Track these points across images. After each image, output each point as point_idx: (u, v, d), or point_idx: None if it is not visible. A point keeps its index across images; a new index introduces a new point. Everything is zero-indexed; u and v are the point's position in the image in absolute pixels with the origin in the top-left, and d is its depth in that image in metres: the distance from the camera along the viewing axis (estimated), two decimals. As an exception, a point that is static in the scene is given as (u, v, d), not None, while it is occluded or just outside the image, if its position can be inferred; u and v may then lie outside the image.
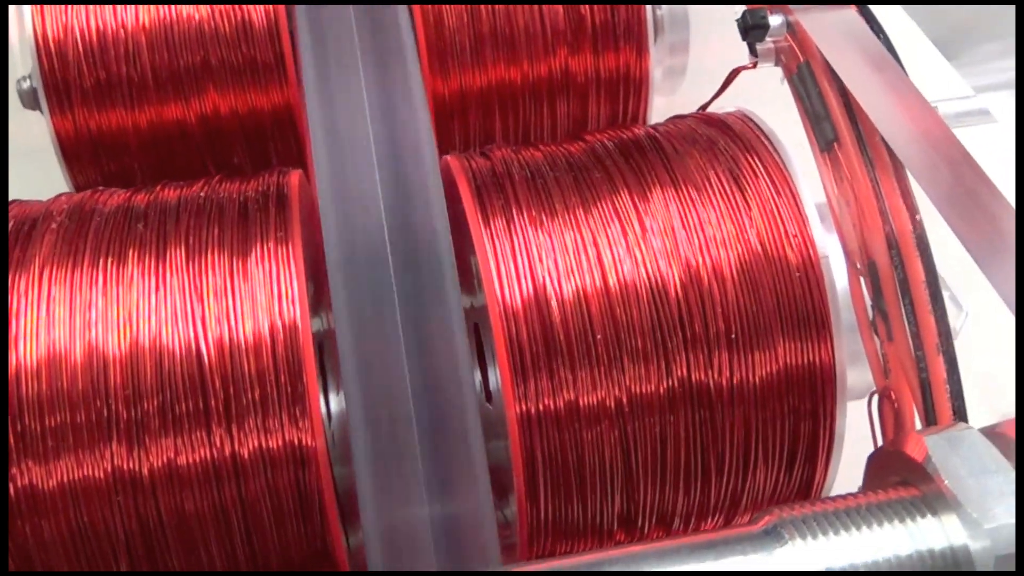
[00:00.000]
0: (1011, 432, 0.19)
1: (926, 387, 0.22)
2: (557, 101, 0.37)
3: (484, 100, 0.37)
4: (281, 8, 0.35)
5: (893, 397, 0.23)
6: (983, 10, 0.29)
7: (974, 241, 0.20)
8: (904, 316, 0.23)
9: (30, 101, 0.36)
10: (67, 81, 0.34)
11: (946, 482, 0.18)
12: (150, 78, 0.35)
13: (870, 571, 0.18)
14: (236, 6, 0.35)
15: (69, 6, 0.34)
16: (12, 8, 0.35)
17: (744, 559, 0.18)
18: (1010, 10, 0.28)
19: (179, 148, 0.36)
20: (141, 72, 0.35)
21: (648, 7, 0.37)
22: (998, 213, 0.20)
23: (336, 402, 0.27)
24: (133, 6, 0.34)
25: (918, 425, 0.23)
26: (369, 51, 0.28)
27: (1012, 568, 0.17)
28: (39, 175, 0.35)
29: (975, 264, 0.20)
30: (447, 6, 0.36)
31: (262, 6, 0.35)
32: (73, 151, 0.35)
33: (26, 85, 0.36)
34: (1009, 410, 0.19)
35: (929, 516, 0.18)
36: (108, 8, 0.34)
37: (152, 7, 0.34)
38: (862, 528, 0.18)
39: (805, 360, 0.26)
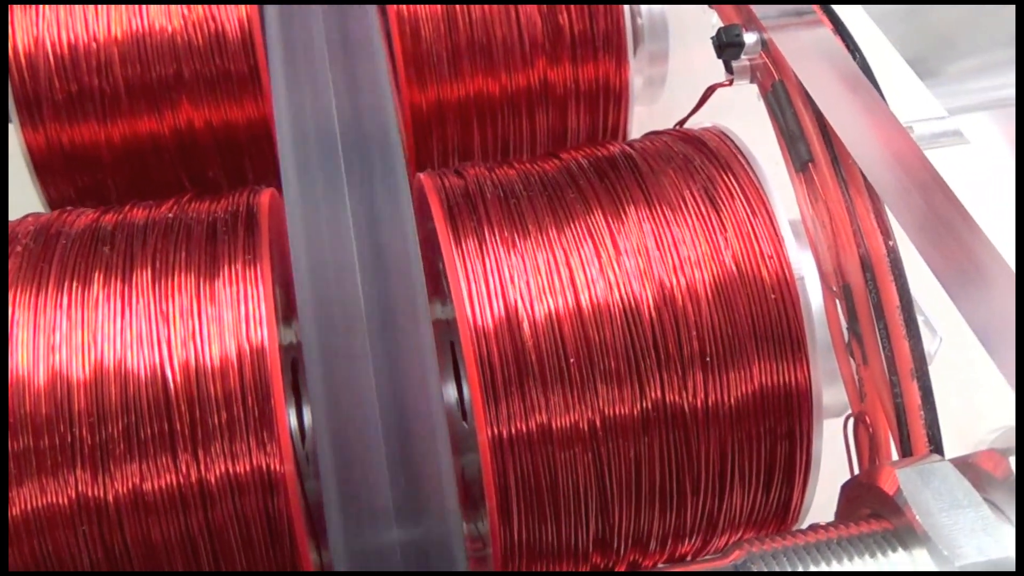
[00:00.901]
0: (985, 464, 0.19)
1: (901, 413, 0.22)
2: (536, 112, 0.37)
3: (462, 111, 0.37)
4: (256, 19, 0.34)
5: (868, 422, 0.23)
6: (962, 22, 0.29)
7: (944, 268, 0.20)
8: (879, 340, 0.22)
9: (-1, 114, 0.35)
10: (38, 94, 0.34)
11: (917, 517, 0.18)
12: (123, 91, 0.34)
13: (839, 607, 0.18)
14: (210, 18, 0.34)
15: (41, 18, 0.34)
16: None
17: (710, 597, 0.18)
18: (989, 24, 0.28)
19: (153, 162, 0.35)
20: (113, 85, 0.34)
21: (627, 17, 0.37)
22: (968, 239, 0.20)
23: (310, 416, 0.27)
24: (105, 18, 0.34)
25: (893, 452, 0.22)
26: (339, 58, 0.28)
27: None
28: (12, 188, 0.35)
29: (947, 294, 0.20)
30: (424, 16, 0.35)
31: (236, 19, 0.34)
32: (45, 165, 0.34)
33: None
34: (984, 438, 0.19)
35: (900, 550, 0.18)
36: (80, 20, 0.34)
37: (125, 19, 0.34)
38: (832, 562, 0.18)
39: (781, 381, 0.26)
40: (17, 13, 0.34)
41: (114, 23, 0.34)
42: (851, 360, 0.24)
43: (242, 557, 0.25)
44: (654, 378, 0.25)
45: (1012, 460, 0.18)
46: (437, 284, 0.27)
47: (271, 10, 0.29)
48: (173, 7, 0.34)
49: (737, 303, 0.25)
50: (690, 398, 0.26)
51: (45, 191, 0.35)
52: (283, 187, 0.25)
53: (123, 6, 0.34)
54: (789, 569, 0.18)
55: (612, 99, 0.38)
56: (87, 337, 0.24)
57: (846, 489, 0.20)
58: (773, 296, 0.25)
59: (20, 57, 0.34)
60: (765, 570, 0.18)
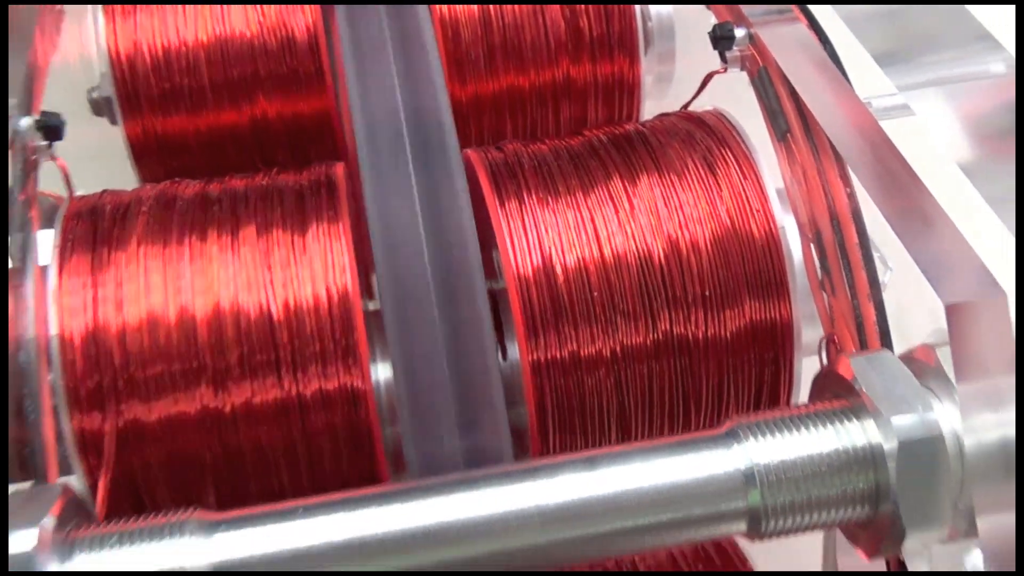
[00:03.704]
0: (920, 355, 0.24)
1: (860, 328, 0.27)
2: (560, 104, 0.43)
3: (496, 104, 0.42)
4: (320, 24, 0.40)
5: (836, 340, 0.29)
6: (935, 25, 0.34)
7: (893, 213, 0.25)
8: (843, 273, 0.28)
9: (99, 109, 0.41)
10: (136, 91, 0.40)
11: (866, 394, 0.23)
12: (207, 88, 0.40)
13: (807, 461, 0.23)
14: (282, 24, 0.40)
15: (138, 26, 0.40)
16: (89, 22, 0.40)
17: (710, 453, 0.23)
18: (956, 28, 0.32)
19: (232, 148, 0.41)
20: (200, 82, 0.40)
21: (639, 20, 0.42)
22: (912, 190, 0.26)
23: (382, 371, 0.32)
24: (193, 25, 0.40)
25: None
26: (400, 54, 0.33)
27: (912, 456, 0.23)
28: (114, 168, 0.40)
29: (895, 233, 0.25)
30: (463, 20, 0.41)
31: (304, 25, 0.40)
32: (142, 151, 0.40)
33: (96, 95, 0.41)
34: (916, 341, 0.25)
35: (854, 420, 0.24)
36: (171, 27, 0.40)
37: (209, 26, 0.40)
38: (802, 430, 0.24)
39: (767, 316, 0.31)
40: (118, 21, 0.40)
41: (200, 29, 0.40)
42: (823, 293, 0.29)
43: (331, 458, 0.30)
44: (663, 314, 0.31)
45: (940, 351, 0.24)
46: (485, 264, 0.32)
47: (341, 12, 0.34)
48: (250, 15, 0.40)
49: (731, 252, 0.31)
50: (693, 330, 0.31)
51: (140, 172, 0.41)
52: (360, 166, 0.30)
53: (207, 14, 0.40)
54: (769, 435, 0.23)
55: (626, 93, 0.43)
56: (206, 282, 0.30)
57: (816, 380, 0.26)
58: (761, 245, 0.31)
59: (121, 59, 0.39)
60: (750, 434, 0.23)
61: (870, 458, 0.23)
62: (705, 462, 0.23)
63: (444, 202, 0.29)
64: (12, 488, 0.26)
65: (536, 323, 0.31)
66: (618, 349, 0.31)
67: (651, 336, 0.31)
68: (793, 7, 0.30)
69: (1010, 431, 0.22)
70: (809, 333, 0.32)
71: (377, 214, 0.29)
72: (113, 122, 0.41)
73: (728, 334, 0.31)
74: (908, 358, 0.24)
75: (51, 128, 0.30)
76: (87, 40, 0.40)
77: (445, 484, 0.23)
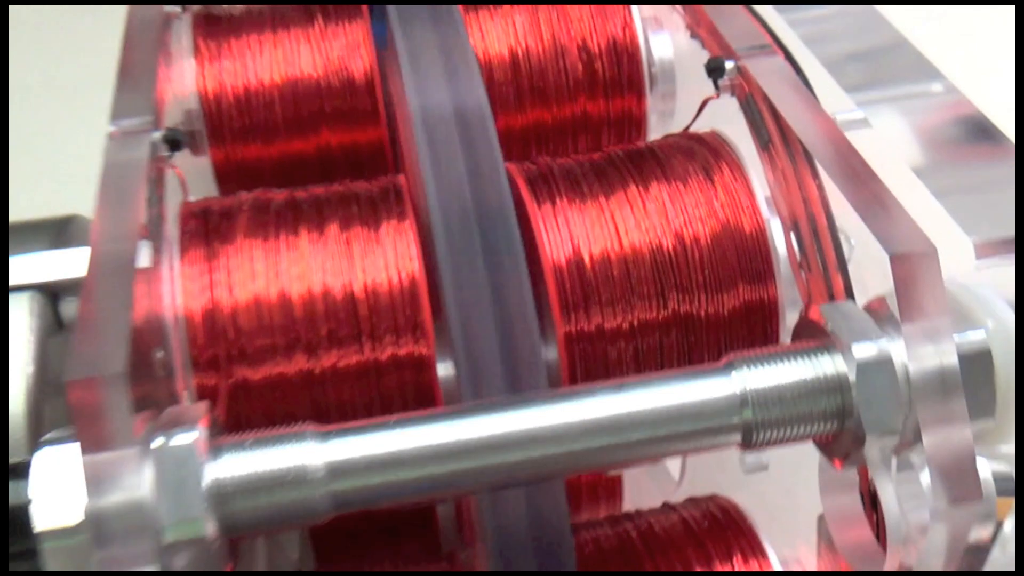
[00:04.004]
0: (876, 305, 0.31)
1: (831, 296, 0.34)
2: (578, 135, 0.49)
3: (524, 135, 0.49)
4: (376, 67, 0.47)
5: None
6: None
7: (856, 200, 0.32)
8: (816, 252, 0.35)
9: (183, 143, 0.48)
10: (221, 124, 0.47)
11: (834, 332, 0.30)
12: (280, 121, 0.47)
13: (791, 385, 0.30)
14: (343, 68, 0.47)
15: (223, 70, 0.47)
16: (182, 67, 0.47)
17: (712, 380, 0.30)
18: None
19: (299, 173, 0.48)
20: (274, 117, 0.47)
21: (645, 65, 0.50)
22: (869, 181, 0.32)
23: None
24: (268, 69, 0.47)
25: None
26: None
27: (868, 376, 0.29)
28: (199, 190, 0.47)
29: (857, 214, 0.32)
30: (495, 63, 0.48)
31: (363, 67, 0.47)
32: (224, 174, 0.47)
33: (183, 128, 0.48)
34: (873, 294, 0.31)
35: (825, 354, 0.30)
36: (251, 70, 0.47)
37: (282, 69, 0.47)
38: (785, 362, 0.30)
39: (757, 297, 0.38)
40: (207, 65, 0.47)
41: (275, 72, 0.47)
42: (801, 270, 0.36)
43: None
44: (672, 295, 0.37)
45: (891, 301, 0.30)
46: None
47: (410, 86, 0.39)
48: (316, 59, 0.47)
49: (726, 244, 0.38)
50: (696, 309, 0.38)
51: (222, 191, 0.48)
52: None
53: (280, 59, 0.47)
54: (760, 365, 0.30)
55: (635, 125, 0.50)
56: (300, 269, 0.37)
57: (795, 327, 0.33)
58: (751, 237, 0.38)
59: (209, 97, 0.47)
60: (744, 366, 0.30)
61: (837, 383, 0.30)
62: (709, 387, 0.30)
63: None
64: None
65: (568, 303, 0.37)
66: (635, 323, 0.38)
67: (662, 313, 0.38)
68: (771, 42, 0.37)
69: (945, 360, 0.29)
70: (792, 316, 0.38)
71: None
72: (195, 153, 0.48)
73: (725, 311, 0.38)
74: (866, 307, 0.31)
75: (175, 141, 0.37)
76: (177, 81, 0.47)
77: (503, 403, 0.30)
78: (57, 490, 0.27)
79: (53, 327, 0.45)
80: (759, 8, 0.38)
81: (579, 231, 0.38)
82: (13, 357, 0.43)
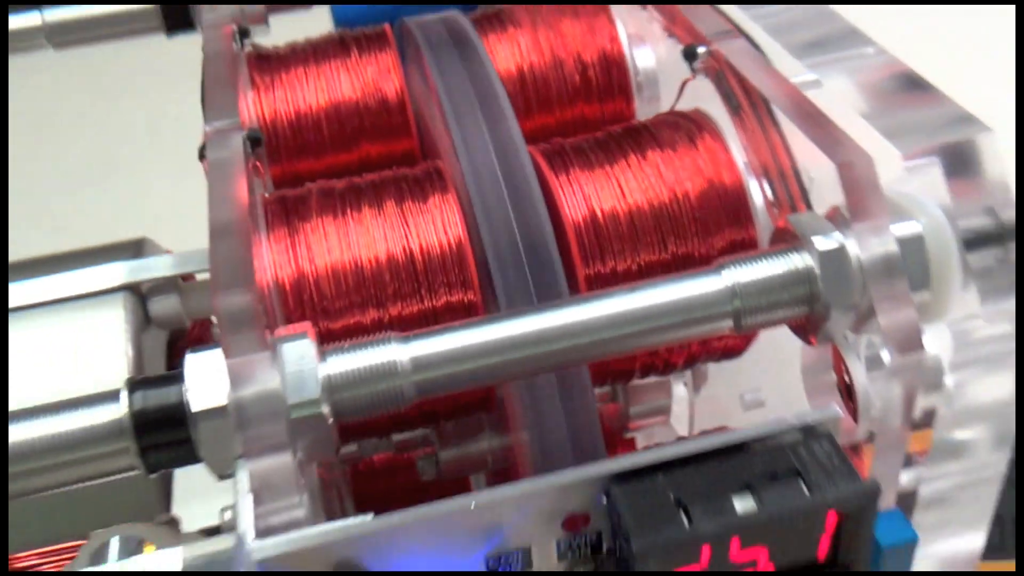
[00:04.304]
0: (832, 213, 0.39)
1: (798, 221, 0.42)
2: (578, 135, 0.58)
3: (531, 138, 0.58)
4: (405, 87, 0.56)
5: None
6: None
7: (810, 134, 0.40)
8: (785, 191, 0.43)
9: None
10: (277, 143, 0.55)
11: (800, 233, 0.38)
12: (327, 138, 0.56)
13: (769, 278, 0.38)
14: (378, 89, 0.56)
15: (276, 98, 0.55)
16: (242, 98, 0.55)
17: (708, 278, 0.38)
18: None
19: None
20: (321, 135, 0.56)
21: (631, 73, 0.58)
22: (822, 121, 0.41)
23: None
24: (314, 95, 0.56)
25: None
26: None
27: (829, 262, 0.37)
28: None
29: (817, 148, 0.40)
30: (505, 79, 0.56)
31: (394, 88, 0.56)
32: (279, 186, 0.56)
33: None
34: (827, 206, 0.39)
35: (795, 252, 0.38)
36: (300, 97, 0.55)
37: (326, 95, 0.56)
38: (764, 261, 0.38)
39: (740, 237, 0.46)
40: (262, 95, 0.55)
41: (320, 97, 0.55)
42: (774, 208, 0.44)
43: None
44: (671, 240, 0.45)
45: (844, 210, 0.38)
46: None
47: (454, 128, 0.46)
48: (355, 83, 0.56)
49: (712, 196, 0.46)
50: (691, 250, 0.46)
51: (282, 204, 0.56)
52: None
53: (324, 86, 0.56)
54: (746, 264, 0.38)
55: (625, 125, 0.59)
56: (367, 239, 0.45)
57: (771, 235, 0.41)
58: (731, 189, 0.46)
59: (266, 122, 0.55)
60: (732, 265, 0.38)
61: (806, 274, 0.37)
62: (706, 284, 0.38)
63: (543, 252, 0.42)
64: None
65: (586, 252, 0.45)
66: (642, 265, 0.45)
67: (663, 256, 0.45)
68: (733, 31, 0.46)
69: (888, 247, 0.37)
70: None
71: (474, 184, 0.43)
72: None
73: (715, 251, 0.46)
74: (824, 215, 0.39)
75: (255, 139, 0.45)
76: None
77: (537, 308, 0.37)
78: (206, 383, 0.35)
79: (144, 322, 0.53)
80: (723, 7, 0.47)
81: (591, 193, 0.46)
82: (114, 344, 0.51)
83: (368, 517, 0.32)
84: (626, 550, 0.31)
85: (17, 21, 0.62)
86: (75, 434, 0.35)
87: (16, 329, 0.50)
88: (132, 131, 1.21)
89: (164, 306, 0.53)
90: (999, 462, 0.42)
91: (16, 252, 0.56)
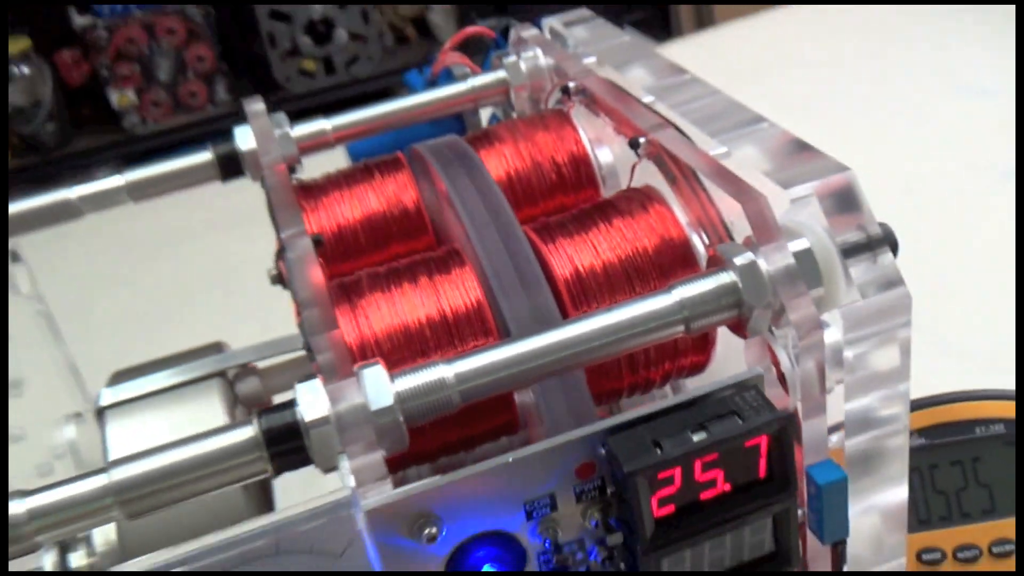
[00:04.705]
0: (747, 241, 0.54)
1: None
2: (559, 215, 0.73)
3: (523, 223, 0.73)
4: (420, 198, 0.71)
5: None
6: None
7: (726, 189, 0.56)
8: (715, 235, 0.58)
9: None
10: (325, 253, 0.70)
11: (725, 258, 0.53)
12: (363, 244, 0.71)
13: (706, 292, 0.52)
14: (399, 201, 0.71)
15: (320, 217, 0.71)
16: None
17: (662, 296, 0.52)
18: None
19: (381, 276, 0.71)
20: (358, 241, 0.70)
21: (596, 169, 0.74)
22: (733, 179, 0.56)
23: None
24: (351, 209, 0.71)
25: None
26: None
27: (747, 275, 0.52)
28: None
29: (731, 198, 0.55)
30: (495, 177, 0.72)
31: (412, 199, 0.71)
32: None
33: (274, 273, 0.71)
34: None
35: (723, 272, 0.53)
36: (339, 213, 0.71)
37: (359, 209, 0.71)
38: (704, 280, 0.53)
39: (689, 275, 0.61)
40: (309, 215, 0.70)
41: (354, 212, 0.71)
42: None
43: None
44: (637, 284, 0.60)
45: (754, 239, 0.53)
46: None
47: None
48: (381, 198, 0.71)
49: (665, 248, 0.61)
50: (653, 288, 0.61)
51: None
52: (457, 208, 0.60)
53: (358, 203, 0.71)
54: (691, 283, 0.52)
55: (597, 209, 0.74)
56: (409, 305, 0.59)
57: (707, 265, 0.55)
58: (678, 241, 0.61)
59: (326, 231, 0.70)
60: (680, 287, 0.52)
61: (732, 286, 0.52)
62: (662, 300, 0.52)
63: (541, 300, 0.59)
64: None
65: (574, 298, 0.60)
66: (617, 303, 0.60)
67: (632, 295, 0.60)
68: (664, 123, 0.61)
69: (787, 260, 0.52)
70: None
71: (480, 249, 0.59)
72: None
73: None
74: (742, 243, 0.54)
75: (318, 242, 0.60)
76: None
77: (542, 330, 0.52)
78: (313, 403, 0.49)
79: (234, 401, 0.67)
80: (648, 99, 0.63)
81: (573, 255, 0.60)
82: (213, 418, 0.65)
83: (437, 479, 0.46)
84: (620, 477, 0.45)
85: (103, 184, 0.78)
86: (223, 451, 0.49)
87: (140, 413, 0.65)
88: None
89: (248, 386, 0.68)
90: (901, 420, 0.56)
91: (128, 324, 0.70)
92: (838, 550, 0.57)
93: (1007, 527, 0.70)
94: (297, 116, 0.79)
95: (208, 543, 0.42)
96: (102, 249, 1.56)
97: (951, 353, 1.08)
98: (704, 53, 1.88)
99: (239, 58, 3.43)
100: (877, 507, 0.59)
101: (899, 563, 0.60)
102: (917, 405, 0.72)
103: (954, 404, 0.71)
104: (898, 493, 0.59)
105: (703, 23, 3.02)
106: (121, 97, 3.28)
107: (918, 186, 1.36)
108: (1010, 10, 1.69)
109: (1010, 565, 0.70)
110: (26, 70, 3.17)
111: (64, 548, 0.62)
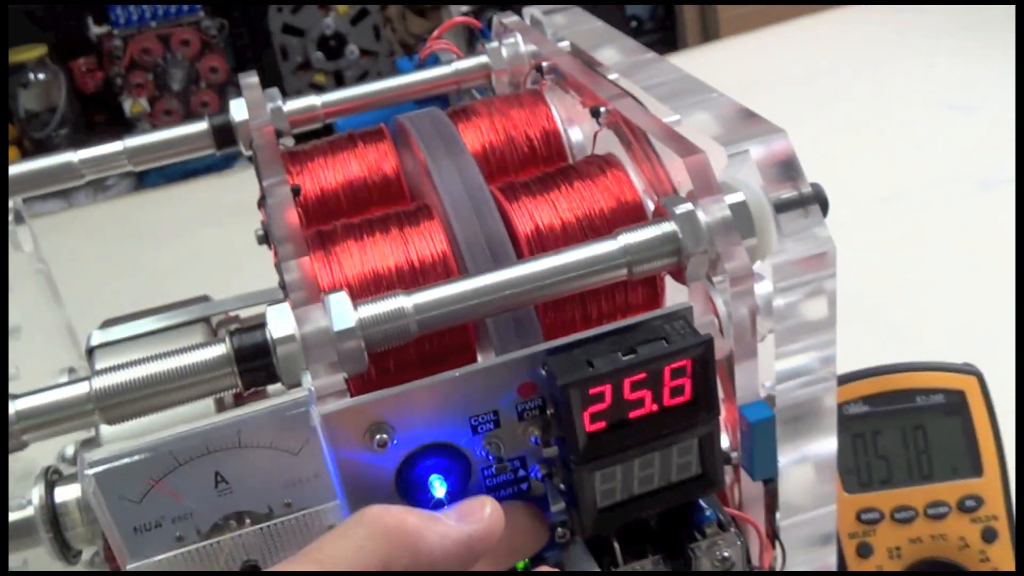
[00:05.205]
0: (688, 195, 0.58)
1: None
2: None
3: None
4: (398, 164, 0.76)
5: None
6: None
7: (675, 149, 0.60)
8: (665, 194, 0.62)
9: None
10: (307, 213, 0.75)
11: (668, 208, 0.57)
12: (344, 207, 0.75)
13: (649, 239, 0.57)
14: (379, 168, 0.76)
15: (305, 180, 0.75)
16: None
17: (608, 241, 0.57)
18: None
19: (360, 237, 0.76)
20: (339, 205, 0.75)
21: (566, 143, 0.78)
22: (682, 141, 0.61)
23: None
24: (333, 175, 0.75)
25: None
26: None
27: (686, 225, 0.56)
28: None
29: (678, 158, 0.60)
30: (473, 150, 0.76)
31: (391, 167, 0.76)
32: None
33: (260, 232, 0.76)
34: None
35: (664, 222, 0.57)
36: (322, 178, 0.75)
37: (341, 175, 0.76)
38: (647, 228, 0.57)
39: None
40: (294, 177, 0.75)
41: (337, 177, 0.75)
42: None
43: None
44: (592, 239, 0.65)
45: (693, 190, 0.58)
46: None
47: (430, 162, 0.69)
48: (362, 164, 0.76)
49: (620, 209, 0.65)
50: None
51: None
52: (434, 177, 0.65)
53: (340, 168, 0.75)
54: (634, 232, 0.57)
55: (566, 183, 0.79)
56: (380, 253, 0.64)
57: (652, 215, 0.60)
58: (632, 202, 0.65)
59: (310, 193, 0.75)
60: (624, 234, 0.57)
61: (674, 235, 0.56)
62: (607, 245, 0.56)
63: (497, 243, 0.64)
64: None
65: (533, 252, 0.64)
66: (574, 259, 0.65)
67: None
68: (623, 94, 0.66)
69: (723, 212, 0.56)
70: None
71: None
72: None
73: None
74: (684, 196, 0.58)
75: (296, 191, 0.65)
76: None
77: (499, 267, 0.56)
78: (281, 323, 0.53)
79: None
80: (613, 77, 0.68)
81: (535, 212, 0.65)
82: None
83: (390, 389, 0.51)
84: (555, 391, 0.49)
85: (104, 149, 0.83)
86: (196, 365, 0.53)
87: (128, 353, 0.69)
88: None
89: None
90: (828, 370, 0.60)
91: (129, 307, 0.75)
92: (770, 489, 0.61)
93: (942, 490, 0.74)
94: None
95: (176, 432, 0.46)
96: (109, 236, 1.62)
97: (914, 335, 1.13)
98: (704, 66, 1.93)
99: (251, 70, 3.49)
100: (809, 457, 0.63)
101: (829, 510, 0.64)
102: (863, 374, 0.76)
103: (897, 374, 0.75)
104: (828, 444, 0.63)
105: (708, 38, 3.08)
106: (134, 105, 3.34)
107: (900, 193, 1.40)
108: (998, 32, 1.75)
109: (944, 527, 0.73)
110: (42, 76, 3.23)
111: (51, 484, 0.66)
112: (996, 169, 1.38)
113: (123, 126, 3.40)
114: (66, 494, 0.66)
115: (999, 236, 1.25)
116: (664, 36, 3.42)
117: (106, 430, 0.67)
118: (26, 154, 3.31)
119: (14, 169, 0.81)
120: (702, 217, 0.56)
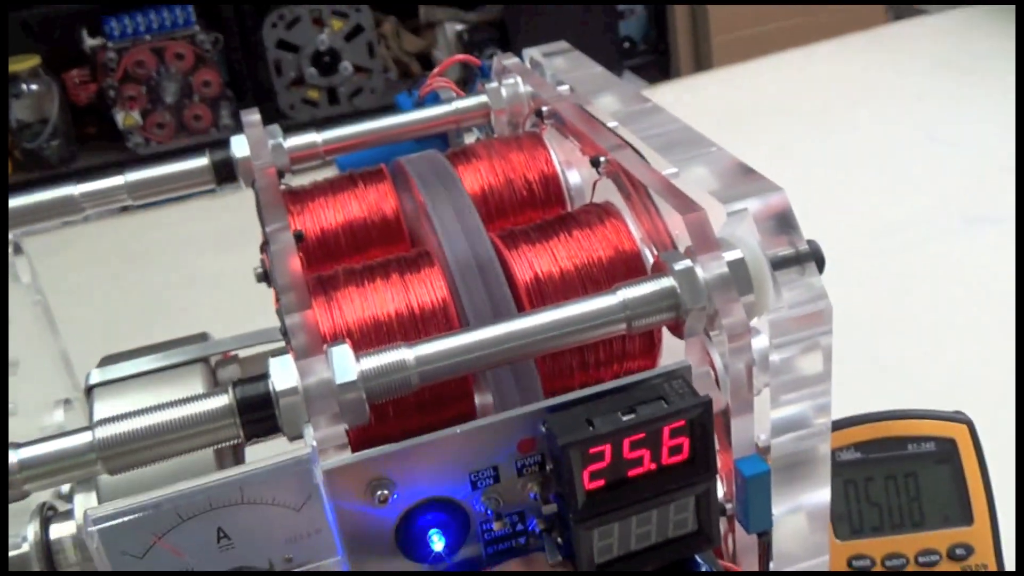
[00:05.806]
0: (687, 251, 0.59)
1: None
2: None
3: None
4: (398, 206, 0.76)
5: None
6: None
7: (674, 205, 0.61)
8: (663, 246, 0.63)
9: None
10: (308, 254, 0.75)
11: (667, 263, 0.58)
12: (344, 248, 0.76)
13: (647, 294, 0.57)
14: (380, 208, 0.76)
15: (305, 220, 0.76)
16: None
17: (607, 296, 0.58)
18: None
19: (359, 277, 0.76)
20: (339, 245, 0.76)
21: (564, 187, 0.79)
22: (680, 196, 0.61)
23: None
24: (334, 216, 0.76)
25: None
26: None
27: (684, 279, 0.57)
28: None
29: (676, 213, 0.61)
30: (471, 194, 0.77)
31: (392, 208, 0.76)
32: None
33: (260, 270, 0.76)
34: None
35: (664, 277, 0.58)
36: (323, 217, 0.76)
37: (342, 215, 0.76)
38: (646, 283, 0.58)
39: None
40: (295, 218, 0.76)
41: (337, 218, 0.76)
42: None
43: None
44: (591, 289, 0.65)
45: (692, 247, 0.59)
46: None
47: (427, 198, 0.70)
48: (363, 205, 0.76)
49: (618, 259, 0.66)
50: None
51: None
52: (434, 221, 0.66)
53: (341, 209, 0.76)
54: (634, 287, 0.58)
55: (564, 226, 0.79)
56: (381, 299, 0.64)
57: (651, 270, 0.60)
58: (630, 252, 0.66)
59: (310, 233, 0.75)
60: (623, 288, 0.58)
61: (672, 290, 0.57)
62: (607, 300, 0.57)
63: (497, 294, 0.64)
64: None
65: (532, 300, 0.65)
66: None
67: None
68: (623, 144, 0.67)
69: (722, 269, 0.57)
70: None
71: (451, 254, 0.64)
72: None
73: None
74: (683, 252, 0.59)
75: (299, 236, 0.65)
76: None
77: (495, 322, 0.57)
78: (284, 375, 0.54)
79: (214, 385, 0.72)
80: (612, 124, 0.69)
81: (535, 261, 0.66)
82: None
83: (392, 445, 0.51)
84: (556, 450, 0.50)
85: (104, 183, 0.83)
86: (198, 416, 0.54)
87: (126, 392, 0.70)
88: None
89: (228, 373, 0.73)
90: (823, 421, 0.61)
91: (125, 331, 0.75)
92: (764, 541, 0.62)
93: (933, 538, 0.75)
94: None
95: (179, 488, 0.47)
96: (102, 259, 1.62)
97: (904, 379, 1.14)
98: (696, 97, 1.95)
99: (245, 84, 3.50)
100: (803, 507, 0.64)
101: (822, 560, 0.65)
102: (855, 421, 0.77)
103: (890, 421, 0.76)
104: (822, 495, 0.63)
105: (701, 66, 3.10)
106: (126, 117, 3.35)
107: (889, 228, 1.42)
108: (984, 70, 1.78)
109: (934, 576, 0.74)
110: (34, 87, 3.23)
111: (46, 520, 0.67)
112: (993, 206, 1.40)
113: (115, 139, 3.40)
114: (61, 531, 0.66)
115: (988, 273, 1.27)
116: (657, 60, 3.44)
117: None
118: (17, 166, 3.30)
119: (14, 202, 0.81)
120: (701, 274, 0.57)
